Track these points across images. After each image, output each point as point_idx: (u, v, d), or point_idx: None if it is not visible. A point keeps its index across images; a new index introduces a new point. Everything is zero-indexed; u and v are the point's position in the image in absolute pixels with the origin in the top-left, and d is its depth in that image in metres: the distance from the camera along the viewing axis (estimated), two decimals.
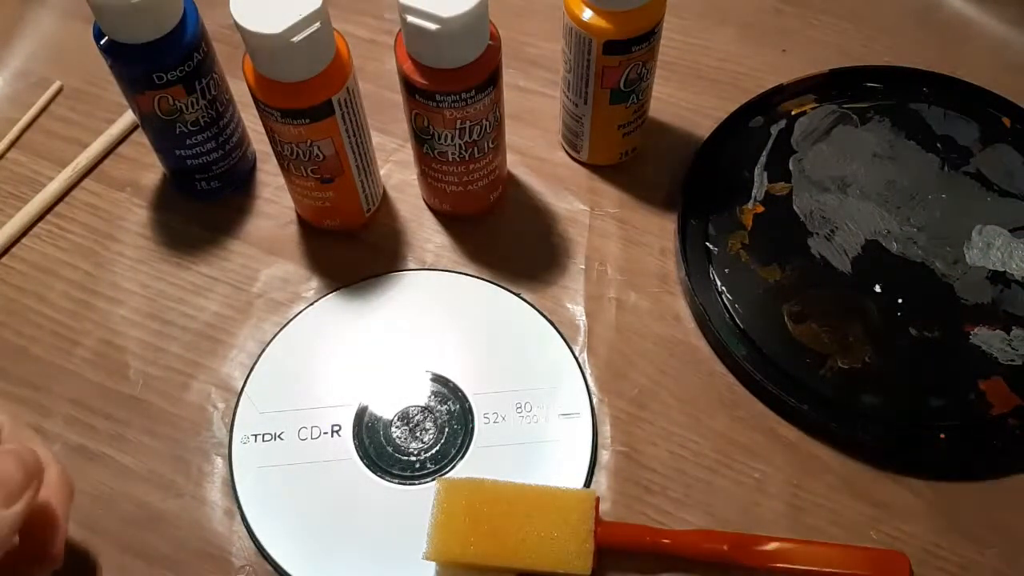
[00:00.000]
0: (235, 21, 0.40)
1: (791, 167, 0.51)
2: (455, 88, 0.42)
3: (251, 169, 0.53)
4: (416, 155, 0.49)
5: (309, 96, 0.42)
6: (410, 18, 0.40)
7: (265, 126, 0.45)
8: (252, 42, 0.40)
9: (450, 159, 0.46)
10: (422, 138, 0.46)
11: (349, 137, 0.45)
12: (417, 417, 0.45)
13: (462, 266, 0.50)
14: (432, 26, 0.40)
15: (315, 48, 0.41)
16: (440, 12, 0.39)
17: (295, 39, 0.40)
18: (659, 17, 0.45)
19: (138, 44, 0.43)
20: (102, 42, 0.44)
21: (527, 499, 0.41)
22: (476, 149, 0.46)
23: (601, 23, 0.44)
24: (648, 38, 0.45)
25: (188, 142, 0.48)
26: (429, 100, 0.43)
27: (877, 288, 0.47)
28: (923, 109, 0.53)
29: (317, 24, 0.40)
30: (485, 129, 0.45)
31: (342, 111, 0.43)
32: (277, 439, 0.45)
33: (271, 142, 0.46)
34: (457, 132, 0.45)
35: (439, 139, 0.45)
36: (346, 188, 0.48)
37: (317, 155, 0.45)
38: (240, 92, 0.47)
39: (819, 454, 0.44)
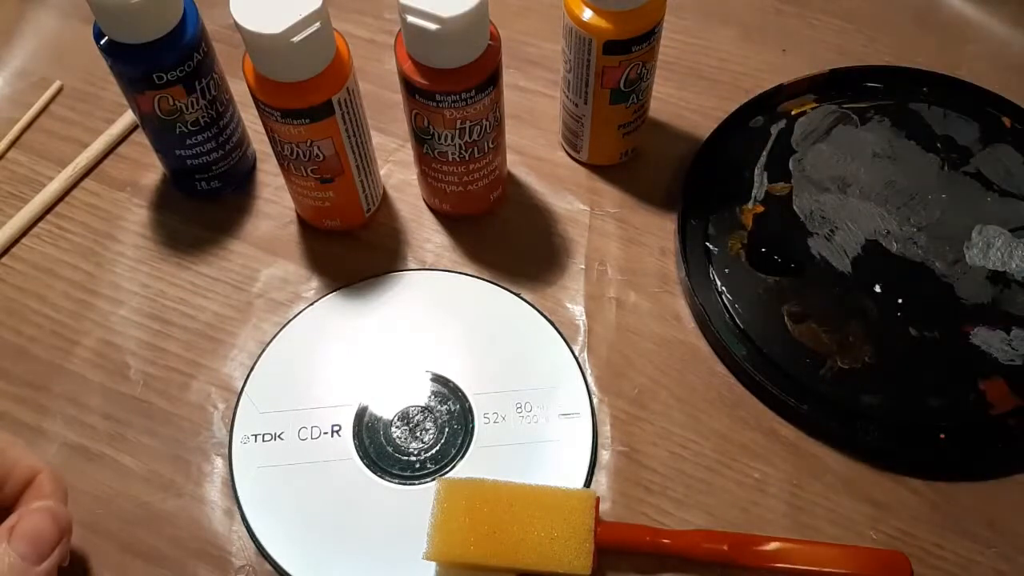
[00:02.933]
0: (235, 21, 0.40)
1: (791, 167, 0.51)
2: (455, 88, 0.42)
3: (251, 169, 0.53)
4: (416, 155, 0.49)
5: (309, 96, 0.42)
6: (410, 18, 0.40)
7: (265, 126, 0.45)
8: (252, 42, 0.40)
9: (450, 159, 0.46)
10: (422, 138, 0.46)
11: (349, 137, 0.45)
12: (417, 417, 0.45)
13: (462, 266, 0.50)
14: (432, 26, 0.40)
15: (315, 48, 0.41)
16: (440, 12, 0.39)
17: (295, 39, 0.40)
18: (659, 17, 0.45)
19: (138, 44, 0.43)
20: (102, 42, 0.44)
21: (527, 499, 0.41)
22: (476, 149, 0.46)
23: (601, 23, 0.44)
24: (648, 38, 0.45)
25: (188, 142, 0.48)
26: (429, 100, 0.43)
27: (877, 288, 0.47)
28: (923, 109, 0.53)
29: (317, 24, 0.40)
30: (485, 129, 0.45)
31: (342, 111, 0.43)
32: (277, 439, 0.45)
33: (271, 142, 0.46)
34: (457, 132, 0.45)
35: (439, 139, 0.45)
36: (346, 188, 0.48)
37: (317, 155, 0.45)
38: (240, 92, 0.47)
39: (819, 454, 0.44)
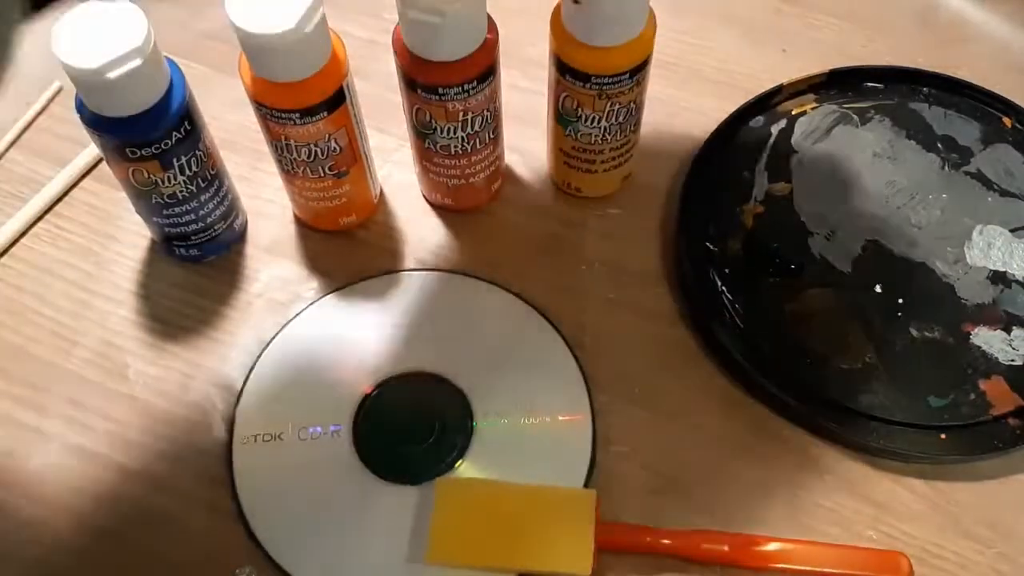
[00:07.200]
0: (244, 30, 0.39)
1: (791, 167, 0.51)
2: (458, 80, 0.42)
3: (239, 238, 0.51)
4: (416, 150, 0.49)
5: (324, 86, 0.42)
6: (412, 13, 0.40)
7: (276, 139, 0.44)
8: (268, 46, 0.39)
9: (452, 152, 0.46)
10: (423, 133, 0.46)
11: (356, 122, 0.45)
12: (417, 417, 0.45)
13: (462, 266, 0.50)
14: (435, 19, 0.40)
15: (322, 35, 0.41)
16: (441, 5, 0.39)
17: (307, 29, 0.39)
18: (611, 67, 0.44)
19: (114, 117, 0.42)
20: (83, 108, 0.42)
21: (527, 499, 0.41)
22: (477, 140, 0.46)
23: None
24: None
25: (164, 212, 0.46)
26: (432, 94, 0.43)
27: (877, 288, 0.47)
28: (923, 109, 0.53)
29: (321, 9, 0.40)
30: (486, 119, 0.45)
31: (349, 95, 0.43)
32: (277, 439, 0.45)
33: (280, 160, 0.46)
34: (460, 124, 0.44)
35: (441, 132, 0.45)
36: (359, 177, 0.48)
37: (334, 148, 0.45)
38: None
39: (819, 454, 0.44)
